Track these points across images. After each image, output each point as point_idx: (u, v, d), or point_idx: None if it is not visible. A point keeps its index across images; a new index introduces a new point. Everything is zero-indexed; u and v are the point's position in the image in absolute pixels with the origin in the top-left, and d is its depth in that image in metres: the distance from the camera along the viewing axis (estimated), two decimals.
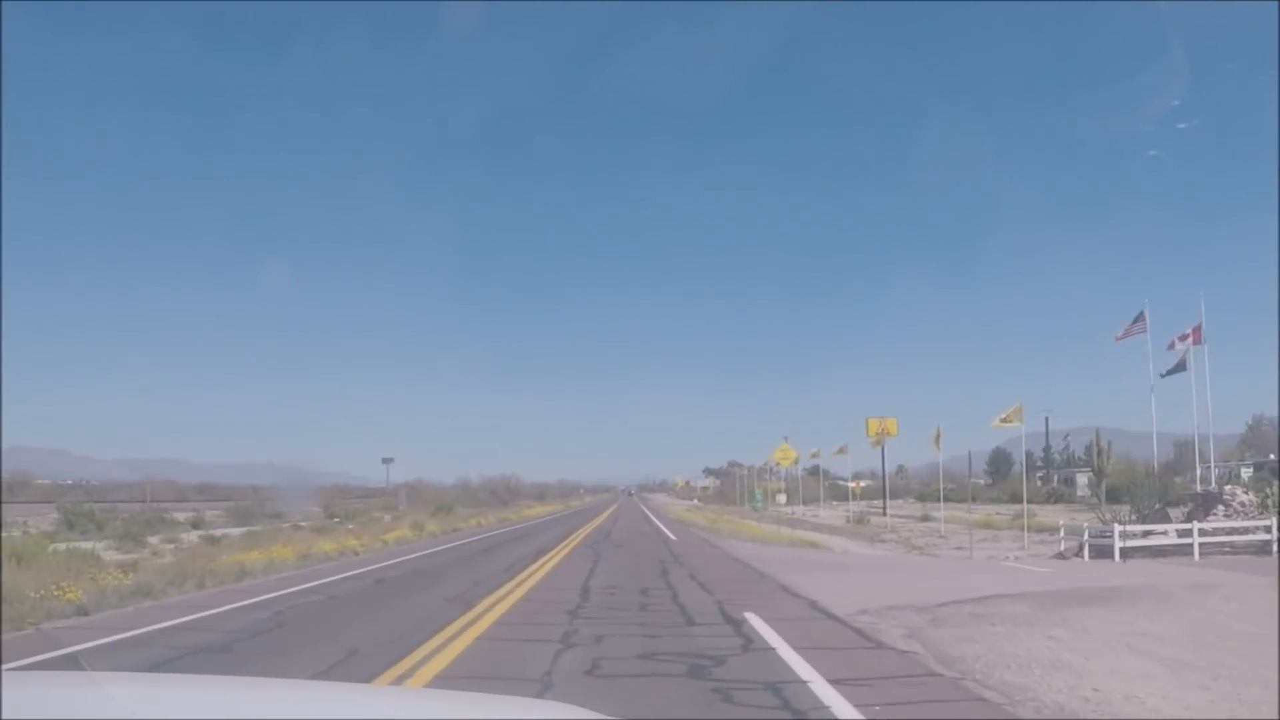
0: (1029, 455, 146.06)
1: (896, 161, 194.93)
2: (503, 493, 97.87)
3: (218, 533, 43.43)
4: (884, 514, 62.97)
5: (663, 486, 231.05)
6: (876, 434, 63.46)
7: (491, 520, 47.54)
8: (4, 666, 7.65)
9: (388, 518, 37.70)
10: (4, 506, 45.83)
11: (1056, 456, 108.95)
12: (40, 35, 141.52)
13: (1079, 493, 79.84)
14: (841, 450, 56.21)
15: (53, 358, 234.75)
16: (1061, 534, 29.62)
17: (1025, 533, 34.25)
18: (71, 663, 7.84)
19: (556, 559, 21.49)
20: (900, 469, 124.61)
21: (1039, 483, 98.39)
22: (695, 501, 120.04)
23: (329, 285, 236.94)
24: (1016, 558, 27.90)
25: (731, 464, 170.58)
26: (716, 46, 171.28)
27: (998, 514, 61.42)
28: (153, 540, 37.64)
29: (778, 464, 37.42)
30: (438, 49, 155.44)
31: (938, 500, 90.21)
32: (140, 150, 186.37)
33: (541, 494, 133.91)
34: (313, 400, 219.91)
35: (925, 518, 56.93)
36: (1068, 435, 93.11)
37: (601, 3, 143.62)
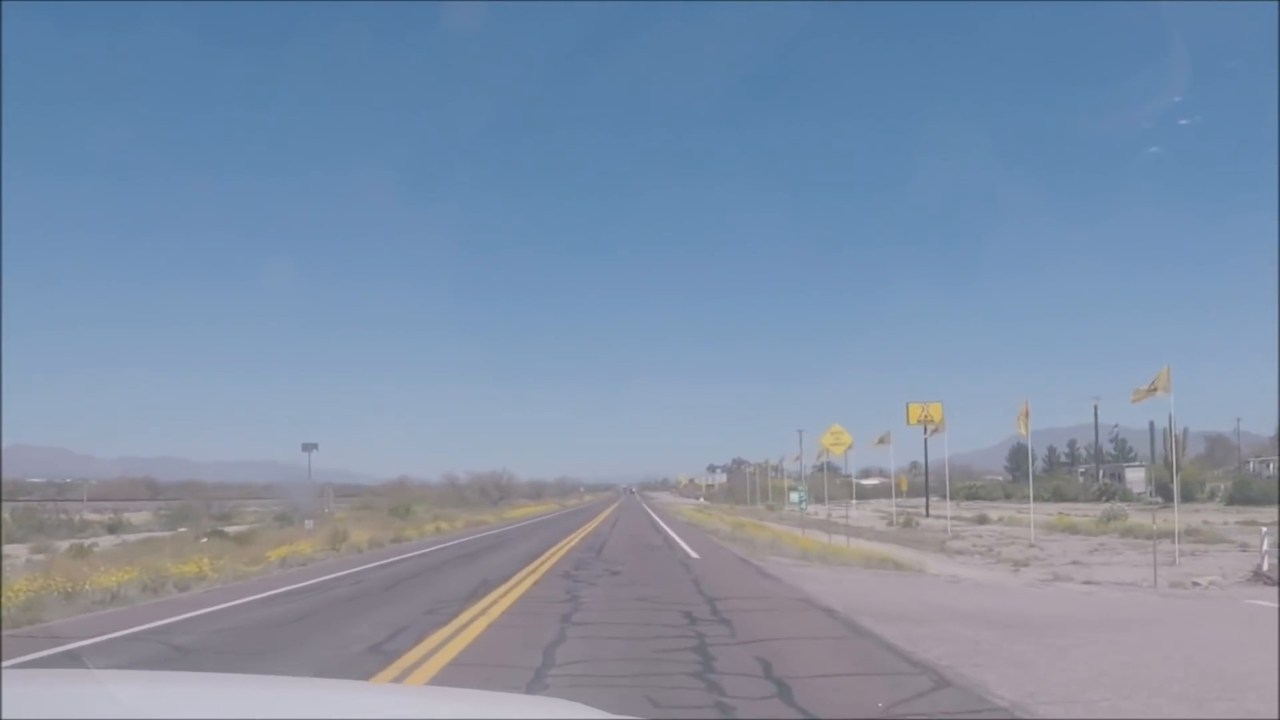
0: (1051, 451, 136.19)
1: (897, 158, 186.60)
2: (492, 491, 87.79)
3: (108, 540, 34.55)
4: (927, 514, 53.08)
5: (664, 485, 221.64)
6: (919, 420, 53.71)
7: (460, 525, 37.56)
8: (5, 665, 7.37)
9: (310, 524, 27.86)
10: None
11: (1100, 450, 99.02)
12: (42, 33, 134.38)
13: (1135, 490, 69.96)
14: (882, 440, 46.34)
15: (54, 357, 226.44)
16: (1264, 545, 19.63)
17: (1175, 543, 24.39)
18: (74, 660, 7.64)
19: (500, 608, 11.58)
20: (913, 465, 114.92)
21: (1080, 478, 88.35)
22: (701, 500, 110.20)
23: (330, 282, 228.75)
24: (1211, 583, 18.22)
25: (736, 460, 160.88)
26: (718, 43, 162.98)
27: (1066, 514, 51.43)
28: (17, 550, 29.84)
29: (827, 451, 27.55)
30: (439, 46, 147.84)
31: (964, 499, 79.59)
32: (142, 147, 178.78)
33: (538, 492, 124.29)
34: (313, 397, 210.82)
35: (981, 519, 46.97)
36: (1115, 426, 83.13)
37: (605, 1, 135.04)
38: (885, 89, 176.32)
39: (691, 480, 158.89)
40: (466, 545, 25.58)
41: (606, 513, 62.19)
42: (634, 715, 3.82)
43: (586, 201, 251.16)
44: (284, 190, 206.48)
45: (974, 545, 33.50)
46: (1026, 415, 32.53)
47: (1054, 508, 63.92)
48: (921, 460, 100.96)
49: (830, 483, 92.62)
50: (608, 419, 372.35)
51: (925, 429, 41.28)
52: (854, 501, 78.42)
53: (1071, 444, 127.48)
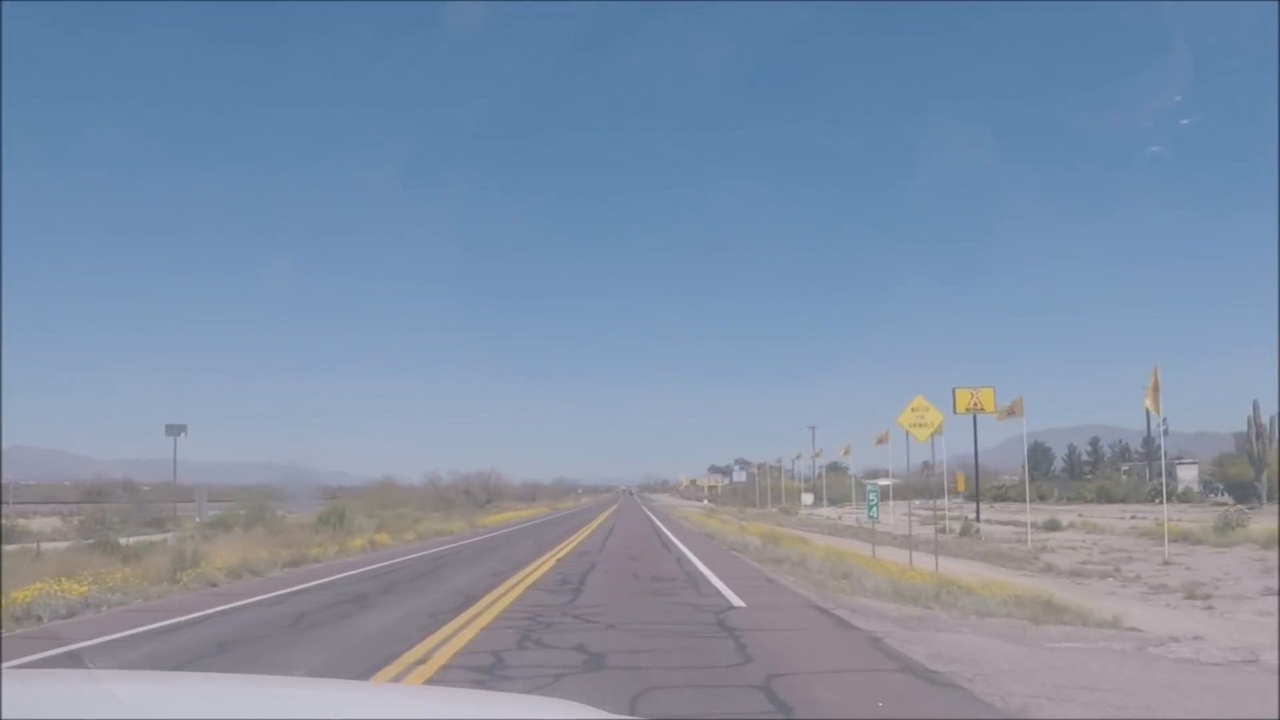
0: (1072, 449, 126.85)
1: (899, 157, 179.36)
2: (479, 493, 78.94)
3: None
4: (978, 519, 44.41)
5: (664, 486, 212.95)
6: (968, 408, 45.05)
7: (411, 536, 28.76)
8: (5, 664, 7.07)
9: (171, 538, 19.27)
10: None
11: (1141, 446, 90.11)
12: (43, 32, 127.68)
13: (1196, 489, 61.13)
14: (935, 430, 37.67)
15: (54, 357, 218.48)
16: None
17: None
18: (75, 660, 7.29)
19: None
20: (926, 465, 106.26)
21: (1124, 477, 79.43)
22: (705, 502, 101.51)
23: (329, 281, 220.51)
24: None
25: (739, 461, 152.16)
26: (720, 42, 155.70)
27: (1146, 517, 42.75)
28: None
29: (908, 433, 18.96)
30: (440, 45, 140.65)
31: (991, 500, 70.36)
32: (141, 147, 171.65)
33: (532, 494, 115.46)
34: (313, 397, 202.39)
35: (1051, 524, 38.21)
36: (1164, 420, 74.10)
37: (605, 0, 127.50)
38: (888, 88, 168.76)
39: (693, 481, 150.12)
40: (386, 574, 16.88)
41: (602, 517, 53.44)
42: (635, 716, 3.15)
43: (586, 201, 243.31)
44: (283, 190, 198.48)
45: (1085, 563, 24.87)
46: (1156, 388, 23.93)
47: (1109, 510, 55.37)
48: (931, 459, 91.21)
49: (839, 484, 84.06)
50: (607, 420, 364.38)
51: (1016, 409, 32.59)
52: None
53: (1094, 442, 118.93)
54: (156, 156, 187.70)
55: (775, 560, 18.34)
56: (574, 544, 25.30)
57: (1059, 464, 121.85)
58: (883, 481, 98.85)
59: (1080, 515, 45.91)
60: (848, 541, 34.32)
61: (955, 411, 43.97)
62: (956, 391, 44.37)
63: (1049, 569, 23.35)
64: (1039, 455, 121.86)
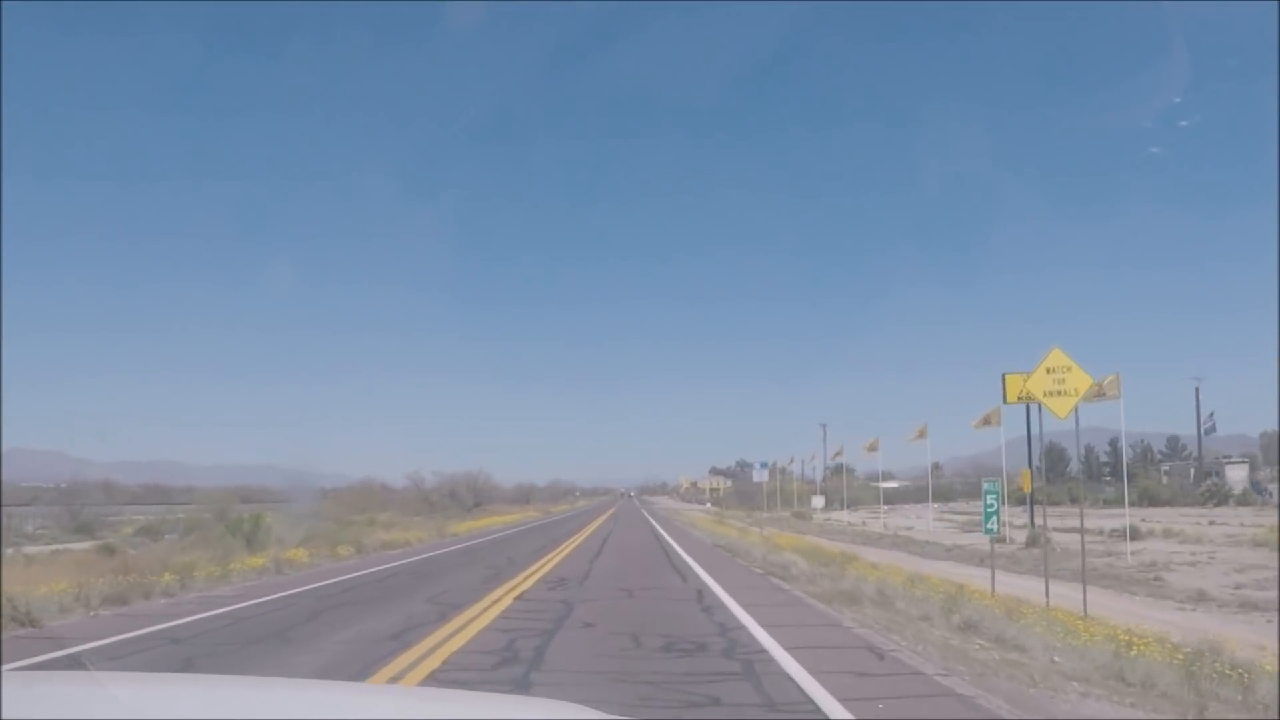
0: (1089, 450, 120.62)
1: (897, 159, 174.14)
2: (466, 495, 72.31)
3: None
4: (1032, 525, 37.91)
5: (663, 488, 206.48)
6: (1020, 397, 38.70)
7: (347, 553, 22.08)
8: (6, 666, 7.00)
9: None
10: None
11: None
12: (43, 35, 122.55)
13: (1243, 488, 54.63)
14: (987, 420, 31.78)
15: (54, 360, 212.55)
16: None
17: None
18: (75, 662, 7.12)
19: None
20: (936, 466, 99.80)
21: (1165, 477, 72.93)
22: (708, 506, 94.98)
23: (328, 285, 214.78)
24: None
25: (740, 463, 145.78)
26: (718, 44, 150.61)
27: (1229, 522, 36.41)
28: None
29: (1043, 404, 12.38)
30: (439, 48, 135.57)
31: (1014, 504, 63.57)
32: (141, 150, 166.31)
33: (526, 497, 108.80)
34: (315, 399, 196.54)
35: (1134, 533, 31.67)
36: (1212, 414, 67.95)
37: (602, 1, 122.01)
38: (886, 90, 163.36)
39: (694, 483, 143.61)
40: (225, 628, 10.39)
41: (597, 524, 46.92)
42: (634, 716, 3.11)
43: (585, 204, 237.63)
44: (282, 194, 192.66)
45: (1238, 588, 18.45)
46: None
47: (1163, 514, 49.03)
48: (936, 460, 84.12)
49: (849, 485, 77.42)
50: (606, 421, 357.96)
51: (1089, 398, 26.39)
52: (884, 507, 63.17)
53: (1113, 442, 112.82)
54: (153, 162, 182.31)
55: (847, 598, 11.86)
56: (552, 564, 18.78)
57: (1075, 465, 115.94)
58: (889, 484, 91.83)
59: (1144, 520, 39.46)
60: (894, 554, 28.10)
61: (1005, 401, 37.49)
62: (1006, 378, 37.67)
63: (1202, 597, 16.98)
64: (1054, 456, 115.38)
